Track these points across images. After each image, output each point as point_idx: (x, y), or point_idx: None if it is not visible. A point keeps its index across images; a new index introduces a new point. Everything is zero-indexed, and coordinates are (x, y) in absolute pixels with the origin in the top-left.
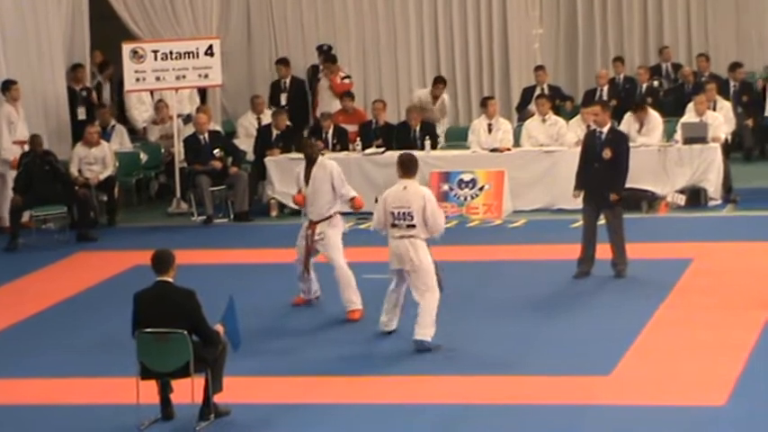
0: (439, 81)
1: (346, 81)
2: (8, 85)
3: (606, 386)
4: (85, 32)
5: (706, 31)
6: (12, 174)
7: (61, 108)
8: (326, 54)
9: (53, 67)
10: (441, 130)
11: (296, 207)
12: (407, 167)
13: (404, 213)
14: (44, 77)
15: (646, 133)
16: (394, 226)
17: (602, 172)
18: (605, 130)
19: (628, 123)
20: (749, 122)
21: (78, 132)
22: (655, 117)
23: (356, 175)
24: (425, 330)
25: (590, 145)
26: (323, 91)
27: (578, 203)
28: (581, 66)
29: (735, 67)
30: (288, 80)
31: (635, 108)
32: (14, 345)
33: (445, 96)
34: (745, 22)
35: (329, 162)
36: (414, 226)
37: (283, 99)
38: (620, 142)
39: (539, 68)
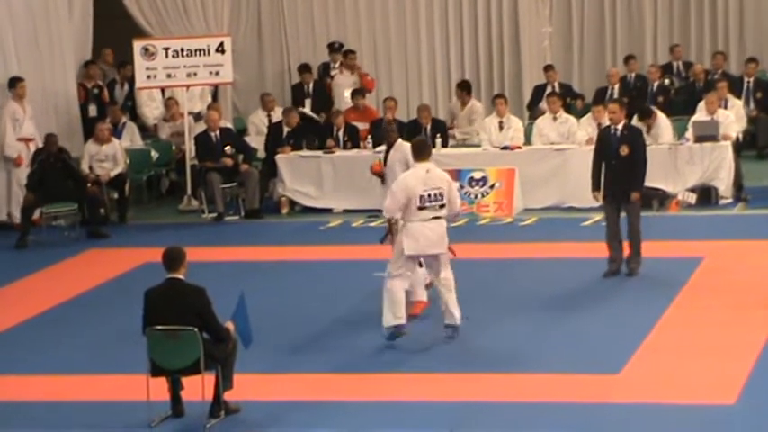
0: (459, 86)
1: (369, 77)
2: (15, 83)
3: (616, 384)
4: (89, 30)
5: (716, 28)
6: (17, 172)
7: (71, 105)
8: (340, 50)
9: (63, 64)
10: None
11: (372, 173)
12: (425, 150)
13: (436, 195)
14: (54, 75)
15: (653, 136)
16: (422, 209)
17: (620, 168)
18: (620, 126)
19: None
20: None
21: (90, 129)
22: (662, 119)
23: (367, 172)
24: (458, 313)
25: (605, 142)
26: (336, 87)
27: (591, 201)
28: (592, 64)
29: (749, 62)
30: (311, 85)
31: (641, 115)
32: (25, 341)
33: (476, 103)
34: (755, 19)
35: (406, 144)
36: (444, 206)
37: (308, 104)
38: (636, 138)
39: (548, 68)
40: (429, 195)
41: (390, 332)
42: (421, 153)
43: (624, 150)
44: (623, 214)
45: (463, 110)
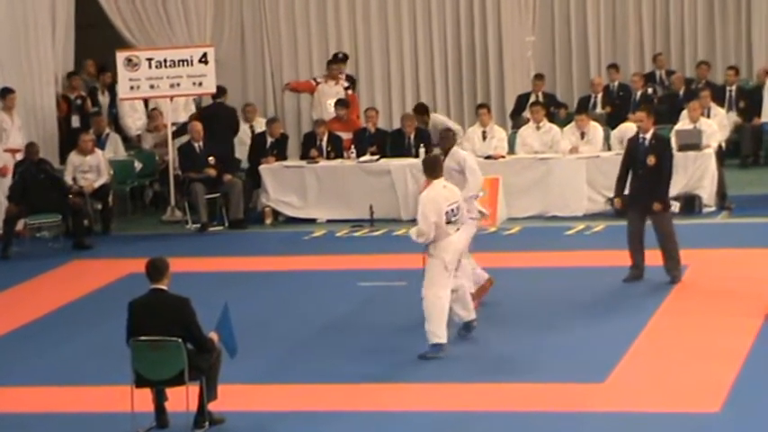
0: (415, 110)
1: (349, 92)
2: (5, 94)
3: (601, 393)
4: (71, 41)
5: (695, 37)
6: (3, 182)
7: (49, 117)
8: (345, 60)
9: (42, 76)
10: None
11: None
12: (438, 166)
13: (455, 209)
14: (34, 86)
15: (586, 142)
16: (449, 223)
17: (647, 178)
18: (648, 136)
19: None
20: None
21: (73, 141)
22: (594, 127)
23: (351, 182)
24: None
25: (634, 151)
26: (320, 97)
27: (574, 210)
28: (575, 73)
29: (728, 69)
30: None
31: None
32: (9, 353)
33: (435, 116)
34: (735, 28)
35: (461, 151)
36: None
37: None
38: (663, 148)
39: (538, 77)
40: (452, 210)
41: (437, 348)
42: (434, 170)
43: (651, 160)
44: (648, 222)
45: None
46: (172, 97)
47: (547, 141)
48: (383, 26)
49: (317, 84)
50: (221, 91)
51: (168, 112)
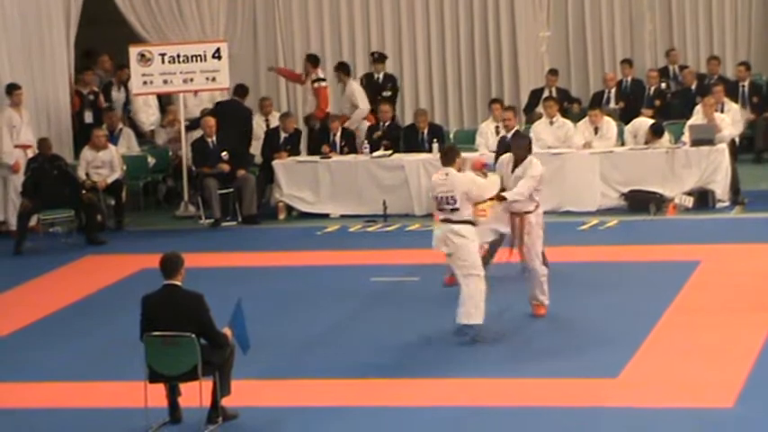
0: (336, 68)
1: (316, 85)
2: (11, 90)
3: (614, 388)
4: (71, 36)
5: (711, 33)
6: (13, 178)
7: (62, 113)
8: (381, 60)
9: (55, 71)
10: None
11: None
12: (445, 155)
13: (447, 198)
14: (46, 82)
15: (599, 138)
16: (440, 210)
17: None
18: (510, 135)
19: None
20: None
21: (86, 136)
22: (608, 122)
23: (364, 177)
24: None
25: (502, 149)
26: (306, 91)
27: (588, 206)
28: (590, 68)
29: (740, 65)
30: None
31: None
32: (23, 348)
33: (353, 83)
34: (743, 23)
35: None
36: (456, 210)
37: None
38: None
39: (552, 72)
40: (441, 198)
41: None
42: (444, 157)
43: None
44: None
45: (344, 92)
46: (196, 92)
47: (560, 136)
48: (396, 21)
49: (305, 79)
50: (244, 91)
51: (183, 107)
